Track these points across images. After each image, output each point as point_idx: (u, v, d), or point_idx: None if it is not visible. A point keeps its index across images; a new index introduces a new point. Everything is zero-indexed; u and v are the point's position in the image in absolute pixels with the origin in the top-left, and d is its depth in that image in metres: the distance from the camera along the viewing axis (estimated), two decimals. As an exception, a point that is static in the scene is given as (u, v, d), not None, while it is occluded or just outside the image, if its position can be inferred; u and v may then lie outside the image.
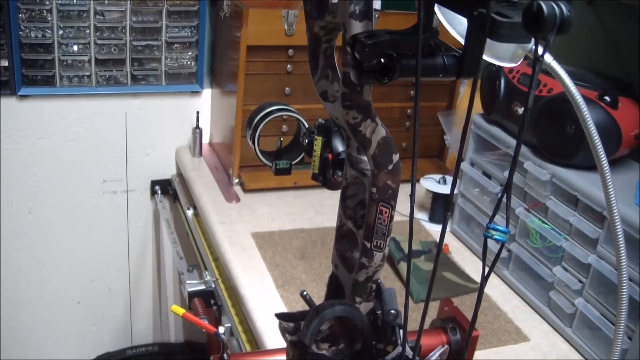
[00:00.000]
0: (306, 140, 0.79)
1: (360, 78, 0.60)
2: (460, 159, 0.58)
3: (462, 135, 0.57)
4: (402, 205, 0.69)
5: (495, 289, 1.55)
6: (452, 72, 0.60)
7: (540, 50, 0.49)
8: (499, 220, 0.54)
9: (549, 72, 0.76)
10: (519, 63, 0.67)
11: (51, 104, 2.00)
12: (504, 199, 0.54)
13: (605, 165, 0.79)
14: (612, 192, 0.81)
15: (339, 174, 0.75)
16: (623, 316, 0.85)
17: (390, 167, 0.64)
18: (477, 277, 1.58)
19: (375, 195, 0.65)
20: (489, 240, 0.54)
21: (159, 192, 2.24)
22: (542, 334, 1.42)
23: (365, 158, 0.69)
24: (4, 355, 2.30)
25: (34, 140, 2.03)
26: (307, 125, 0.85)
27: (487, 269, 0.56)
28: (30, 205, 2.12)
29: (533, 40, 0.49)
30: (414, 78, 0.57)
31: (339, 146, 0.75)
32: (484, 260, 0.55)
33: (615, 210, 0.81)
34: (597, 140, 0.78)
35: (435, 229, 1.81)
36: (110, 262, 2.33)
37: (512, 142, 1.52)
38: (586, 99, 0.79)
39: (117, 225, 2.28)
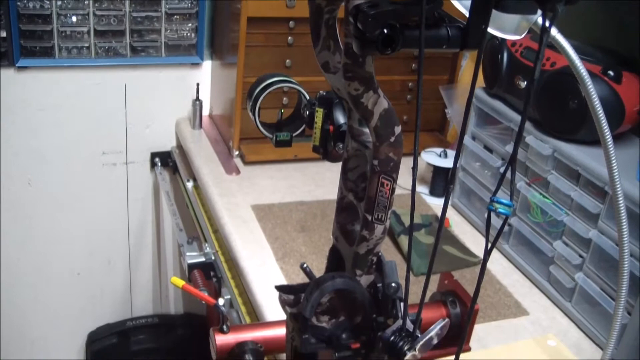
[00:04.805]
0: (307, 112, 0.79)
1: (362, 49, 0.59)
2: (463, 132, 0.57)
3: (466, 108, 0.56)
4: (403, 178, 0.68)
5: (496, 263, 1.55)
6: (456, 43, 0.59)
7: (547, 22, 0.48)
8: (501, 195, 0.54)
9: (553, 46, 0.75)
10: (523, 36, 0.66)
11: (50, 76, 1.99)
12: (508, 173, 0.54)
13: (609, 140, 0.78)
14: (615, 167, 0.81)
15: (340, 146, 0.75)
16: (624, 291, 0.85)
17: (392, 139, 0.64)
18: (477, 251, 1.58)
19: (377, 167, 0.64)
20: (485, 224, 0.54)
21: (159, 164, 2.23)
22: (541, 308, 1.42)
23: (366, 130, 0.69)
24: (3, 328, 2.31)
25: (33, 112, 2.02)
26: (308, 97, 0.84)
27: (489, 243, 0.56)
28: (30, 177, 2.12)
29: (540, 11, 0.48)
30: (417, 49, 0.56)
31: (340, 118, 0.74)
32: (487, 234, 0.55)
33: (618, 186, 0.81)
34: (601, 115, 0.77)
35: (435, 203, 1.81)
36: (110, 234, 2.33)
37: (514, 116, 1.51)
38: (590, 74, 0.79)
39: (116, 197, 2.28)
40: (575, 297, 1.37)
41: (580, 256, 1.35)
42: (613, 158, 0.80)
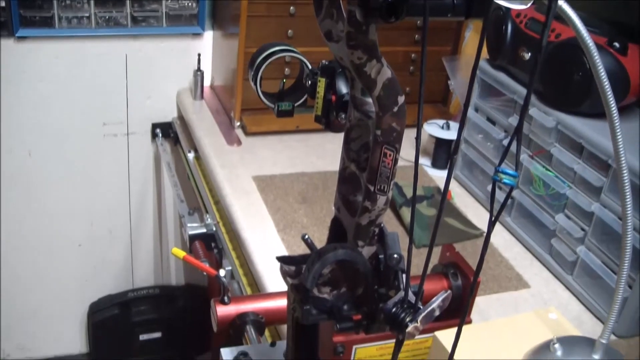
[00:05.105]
0: (309, 82, 0.78)
1: (366, 17, 0.58)
2: (468, 104, 0.56)
3: (470, 79, 0.55)
4: (404, 150, 0.67)
5: (497, 235, 1.54)
6: (460, 11, 0.58)
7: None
8: (503, 167, 0.53)
9: (558, 17, 0.73)
10: (529, 5, 0.65)
11: (50, 46, 1.98)
12: (512, 143, 0.53)
13: (615, 112, 0.77)
14: (620, 140, 0.80)
15: (343, 116, 0.74)
16: (626, 265, 0.85)
17: (395, 109, 0.63)
18: (479, 224, 1.58)
19: (380, 137, 0.63)
20: (490, 194, 0.53)
21: (160, 135, 2.22)
22: (542, 281, 1.42)
23: (369, 100, 0.68)
24: (4, 300, 2.31)
25: (32, 83, 2.01)
26: (310, 67, 0.83)
27: (492, 214, 0.55)
28: (30, 148, 2.11)
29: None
30: (421, 18, 0.55)
31: (343, 88, 0.73)
32: (491, 204, 0.54)
33: (622, 159, 0.80)
34: (607, 87, 0.76)
35: (437, 175, 1.80)
36: (110, 206, 2.33)
37: (518, 87, 1.50)
38: (595, 45, 0.77)
39: (117, 168, 2.27)
40: (577, 271, 1.37)
41: (582, 229, 1.34)
42: (618, 131, 0.79)
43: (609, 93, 0.76)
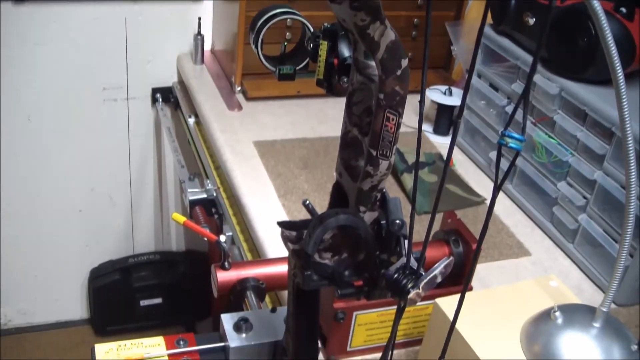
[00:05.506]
0: (311, 45, 0.76)
1: (370, -23, 0.57)
2: (472, 69, 0.55)
3: (475, 45, 0.54)
4: (406, 117, 0.66)
5: (499, 203, 1.54)
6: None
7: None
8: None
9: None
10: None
11: (49, 9, 1.95)
12: (517, 109, 0.52)
13: (621, 78, 0.76)
14: (625, 107, 0.79)
15: (345, 79, 0.73)
16: (629, 234, 0.84)
17: (398, 72, 0.62)
18: (481, 191, 1.57)
19: (383, 101, 0.62)
20: (496, 159, 0.53)
21: (160, 99, 2.21)
22: (543, 249, 1.42)
23: (372, 63, 0.67)
24: (4, 265, 2.32)
25: (31, 47, 1.99)
26: (312, 29, 0.82)
27: (497, 179, 0.55)
28: (30, 113, 2.10)
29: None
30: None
31: (345, 51, 0.72)
32: (497, 168, 0.53)
33: (627, 125, 0.79)
34: (613, 52, 0.75)
35: (439, 141, 1.79)
36: (111, 171, 2.33)
37: (522, 54, 1.48)
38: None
39: (117, 133, 2.26)
40: (578, 239, 1.37)
41: (584, 197, 1.34)
42: (624, 98, 0.78)
43: (616, 59, 0.74)
